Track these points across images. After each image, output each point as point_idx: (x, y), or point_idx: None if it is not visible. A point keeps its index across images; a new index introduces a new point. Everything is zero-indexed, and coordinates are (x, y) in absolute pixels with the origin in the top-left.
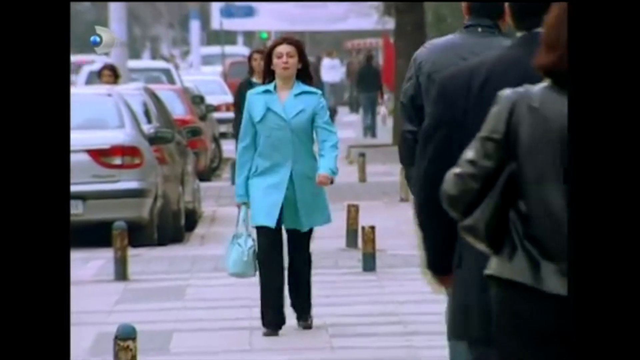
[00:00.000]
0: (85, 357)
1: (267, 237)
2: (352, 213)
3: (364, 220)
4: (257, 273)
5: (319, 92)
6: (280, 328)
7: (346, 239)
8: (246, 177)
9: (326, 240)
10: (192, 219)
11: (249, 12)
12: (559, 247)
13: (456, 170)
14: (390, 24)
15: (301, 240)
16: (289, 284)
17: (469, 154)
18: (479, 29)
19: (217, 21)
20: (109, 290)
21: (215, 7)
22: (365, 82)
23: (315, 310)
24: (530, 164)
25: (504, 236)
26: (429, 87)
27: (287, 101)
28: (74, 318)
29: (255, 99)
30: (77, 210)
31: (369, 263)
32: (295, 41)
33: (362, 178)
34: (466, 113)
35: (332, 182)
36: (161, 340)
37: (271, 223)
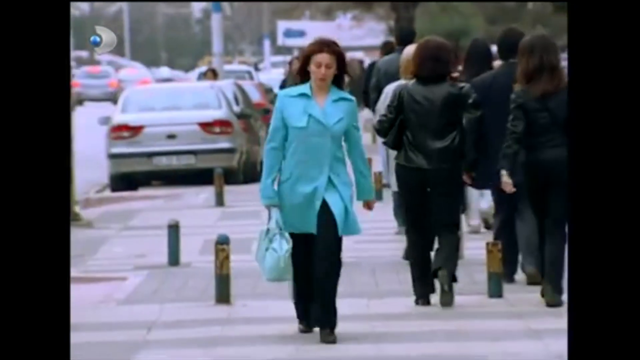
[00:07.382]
0: (196, 255)
1: (302, 246)
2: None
3: (375, 168)
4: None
5: (354, 98)
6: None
7: None
8: (274, 179)
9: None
10: None
11: (301, 34)
12: (421, 148)
13: (378, 118)
14: None
15: (339, 242)
16: (317, 293)
17: (384, 111)
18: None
19: (281, 40)
20: (212, 213)
21: (280, 30)
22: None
23: None
24: (409, 116)
25: (400, 145)
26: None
27: (326, 107)
28: (189, 230)
29: (290, 102)
30: (191, 161)
31: (379, 195)
32: (335, 51)
33: (374, 140)
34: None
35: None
36: (246, 245)
37: (312, 231)
